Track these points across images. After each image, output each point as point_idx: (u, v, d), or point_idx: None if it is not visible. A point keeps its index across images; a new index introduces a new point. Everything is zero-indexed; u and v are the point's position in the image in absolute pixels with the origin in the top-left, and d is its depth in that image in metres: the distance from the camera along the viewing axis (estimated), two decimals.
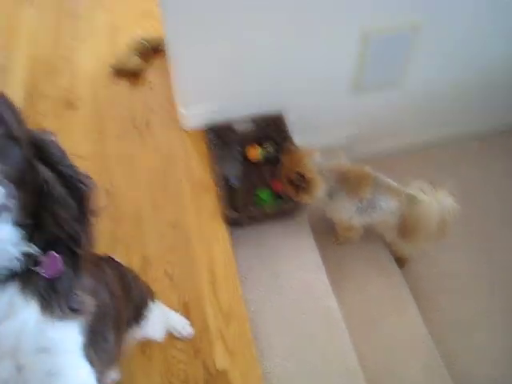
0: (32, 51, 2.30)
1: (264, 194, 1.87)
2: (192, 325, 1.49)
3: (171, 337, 1.47)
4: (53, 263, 0.67)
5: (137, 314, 1.17)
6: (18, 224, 0.63)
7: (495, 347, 1.92)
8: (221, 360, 1.44)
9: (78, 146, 1.95)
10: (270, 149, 1.99)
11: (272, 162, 2.00)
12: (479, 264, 2.16)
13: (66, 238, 0.68)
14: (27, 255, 0.64)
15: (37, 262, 0.66)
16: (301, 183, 1.65)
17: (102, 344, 0.81)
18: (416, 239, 1.74)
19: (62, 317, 0.68)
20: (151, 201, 1.78)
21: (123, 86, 2.18)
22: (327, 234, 1.99)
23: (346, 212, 1.76)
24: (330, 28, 1.74)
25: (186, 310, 1.52)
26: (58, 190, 0.67)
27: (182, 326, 1.47)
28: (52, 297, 0.67)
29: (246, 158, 1.99)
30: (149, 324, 1.21)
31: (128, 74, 2.19)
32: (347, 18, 1.73)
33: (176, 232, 1.69)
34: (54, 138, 0.69)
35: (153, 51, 2.25)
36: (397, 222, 1.71)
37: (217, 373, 1.42)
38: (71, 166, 0.69)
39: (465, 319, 1.99)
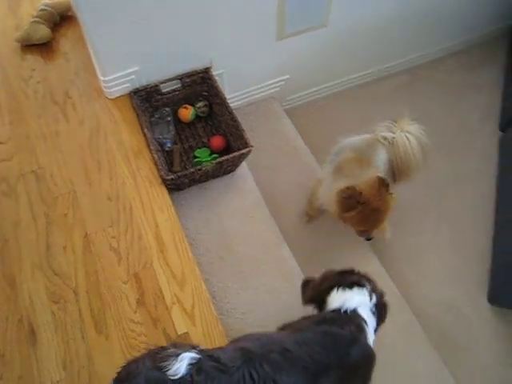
0: None
1: (202, 154, 1.82)
2: (145, 296, 1.45)
3: (127, 311, 1.43)
4: None
5: None
6: None
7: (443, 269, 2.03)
8: (181, 324, 1.42)
9: None
10: (204, 109, 1.92)
11: (205, 119, 1.95)
12: (425, 196, 2.23)
13: None
14: None
15: None
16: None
17: None
18: (408, 175, 1.73)
19: None
20: (84, 176, 1.68)
21: (35, 60, 2.01)
22: (271, 184, 1.97)
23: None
24: None
25: (137, 281, 1.48)
26: None
27: None
28: None
29: (178, 120, 1.92)
30: None
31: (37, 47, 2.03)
32: None
33: (115, 204, 1.62)
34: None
35: (60, 18, 2.08)
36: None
37: (178, 337, 1.40)
38: None
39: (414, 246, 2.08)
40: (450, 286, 1.98)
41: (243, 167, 1.84)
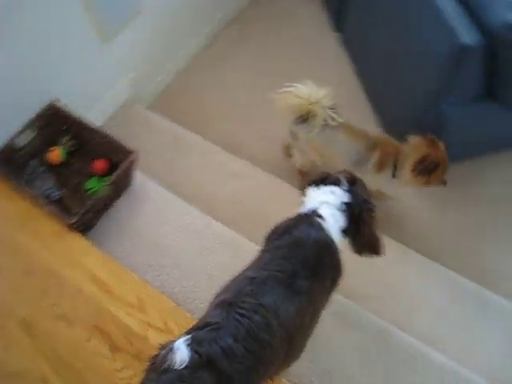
0: None
1: (93, 183, 1.74)
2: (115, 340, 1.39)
3: (106, 364, 1.36)
4: None
5: None
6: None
7: None
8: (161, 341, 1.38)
9: None
10: (71, 142, 1.82)
11: (78, 151, 1.85)
12: None
13: None
14: None
15: None
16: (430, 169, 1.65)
17: None
18: None
19: None
20: None
21: None
22: (172, 177, 1.95)
23: None
24: None
25: (100, 332, 1.40)
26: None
27: None
28: None
29: (52, 164, 1.80)
30: None
31: None
32: None
33: (36, 275, 1.50)
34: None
35: None
36: None
37: None
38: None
39: None
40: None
41: (138, 176, 1.79)
